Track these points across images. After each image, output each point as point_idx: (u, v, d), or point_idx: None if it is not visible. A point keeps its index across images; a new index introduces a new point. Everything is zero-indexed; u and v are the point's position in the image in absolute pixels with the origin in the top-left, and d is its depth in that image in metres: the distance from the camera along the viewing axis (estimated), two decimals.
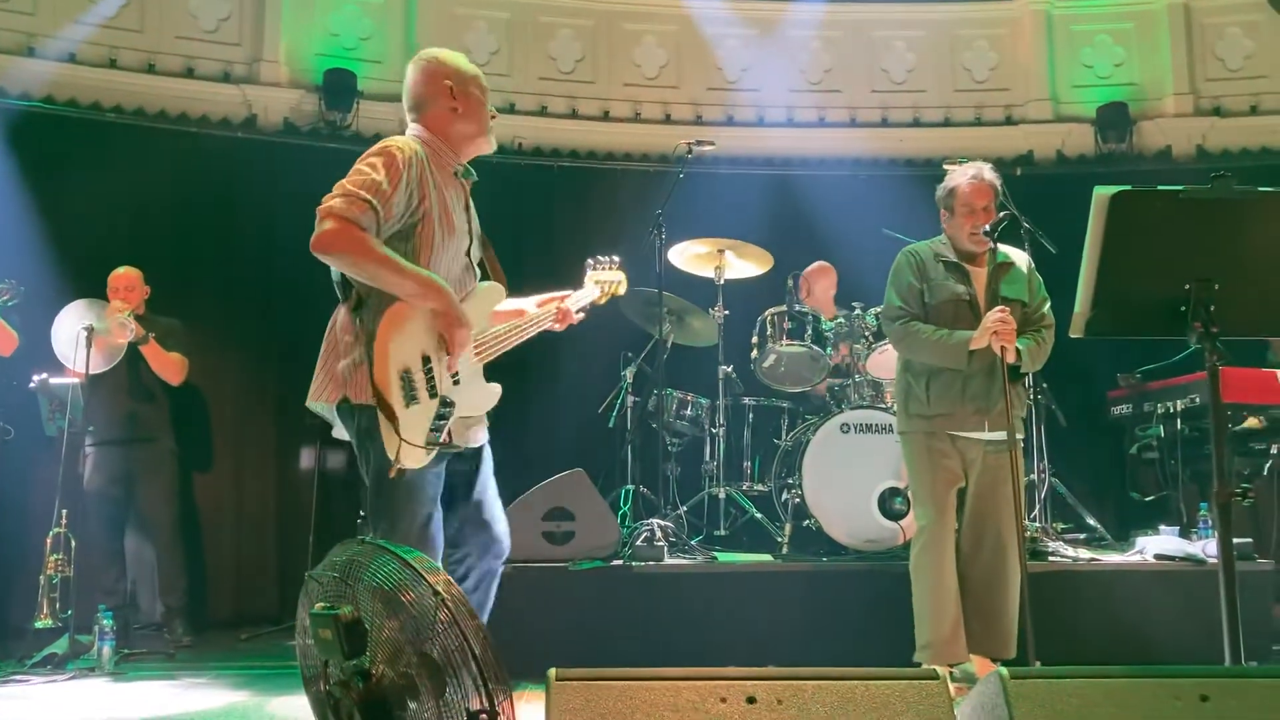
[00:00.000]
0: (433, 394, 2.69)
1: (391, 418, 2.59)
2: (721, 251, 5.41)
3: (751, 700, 1.94)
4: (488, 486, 3.02)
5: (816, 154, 7.34)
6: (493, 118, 3.24)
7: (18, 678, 4.41)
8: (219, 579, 6.20)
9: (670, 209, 5.26)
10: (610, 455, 5.81)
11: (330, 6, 7.06)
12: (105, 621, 4.63)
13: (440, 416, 2.69)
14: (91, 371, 5.02)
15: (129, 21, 6.63)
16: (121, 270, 5.41)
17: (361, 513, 5.87)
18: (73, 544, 4.98)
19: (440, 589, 2.05)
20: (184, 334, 5.53)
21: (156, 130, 6.53)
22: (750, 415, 5.69)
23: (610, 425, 5.79)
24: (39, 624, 4.84)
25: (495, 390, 2.95)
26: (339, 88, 6.78)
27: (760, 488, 5.47)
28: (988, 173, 3.97)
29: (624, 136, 7.36)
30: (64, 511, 4.97)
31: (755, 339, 5.36)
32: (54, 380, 5.21)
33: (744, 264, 5.51)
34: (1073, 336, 2.69)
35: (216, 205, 6.41)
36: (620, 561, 4.67)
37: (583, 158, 7.30)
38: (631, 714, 1.92)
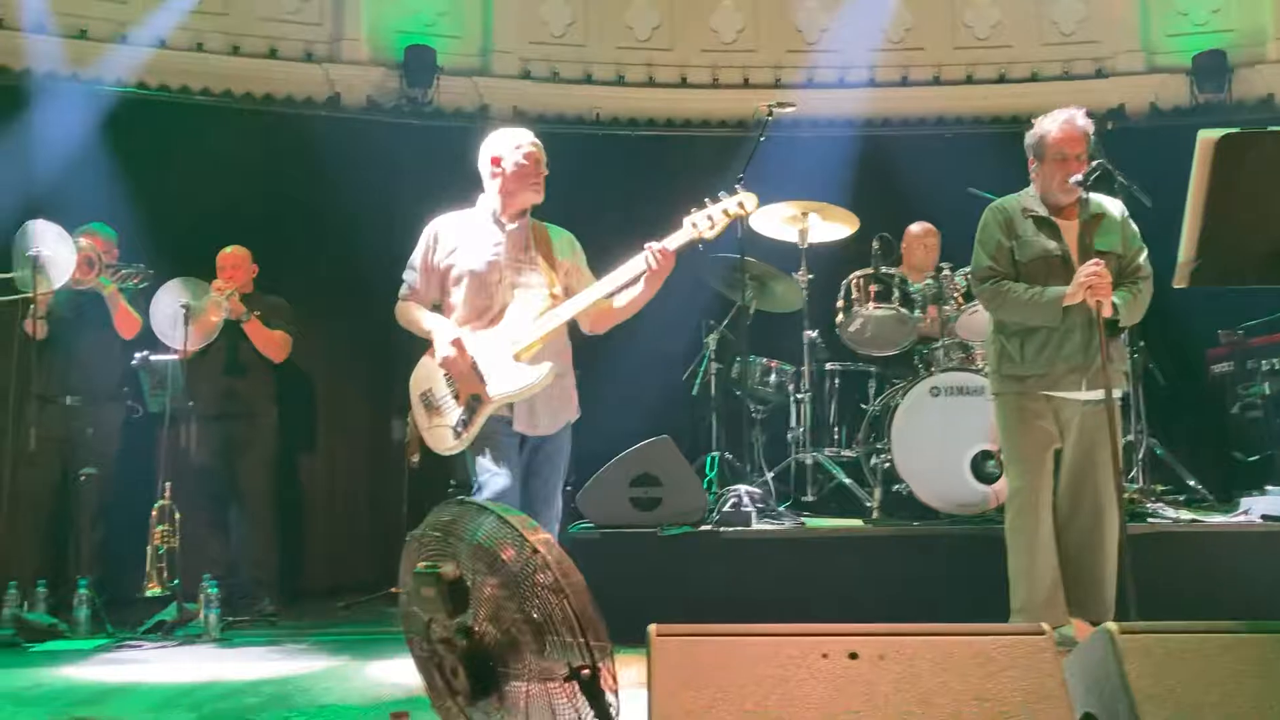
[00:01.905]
0: (456, 397, 3.53)
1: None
2: (805, 214, 5.35)
3: (854, 656, 1.93)
4: (534, 481, 3.61)
5: (899, 114, 7.22)
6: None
7: (131, 643, 4.57)
8: (317, 549, 6.37)
9: (751, 173, 5.18)
10: (694, 423, 5.82)
11: None
12: (210, 590, 4.78)
13: (469, 409, 3.50)
14: (189, 349, 5.16)
15: (214, 5, 6.77)
16: (229, 249, 5.54)
17: (452, 482, 5.97)
18: (177, 516, 5.14)
19: (540, 547, 2.07)
20: (289, 312, 5.63)
21: (243, 111, 6.69)
22: (836, 380, 5.64)
23: (694, 393, 5.79)
24: (148, 592, 5.02)
25: (536, 375, 3.45)
26: (419, 64, 6.85)
27: (848, 453, 5.42)
28: (1080, 118, 3.82)
29: (702, 102, 7.31)
30: (168, 484, 5.13)
31: (840, 303, 5.30)
32: (155, 357, 5.37)
33: (828, 227, 5.45)
34: (1176, 287, 2.61)
35: (304, 184, 6.53)
36: (708, 527, 4.68)
37: (660, 125, 7.28)
38: (733, 669, 1.92)
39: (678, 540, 4.60)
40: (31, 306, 5.02)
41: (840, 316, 5.30)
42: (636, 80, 7.33)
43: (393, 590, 6.04)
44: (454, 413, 3.53)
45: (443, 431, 3.55)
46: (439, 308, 3.72)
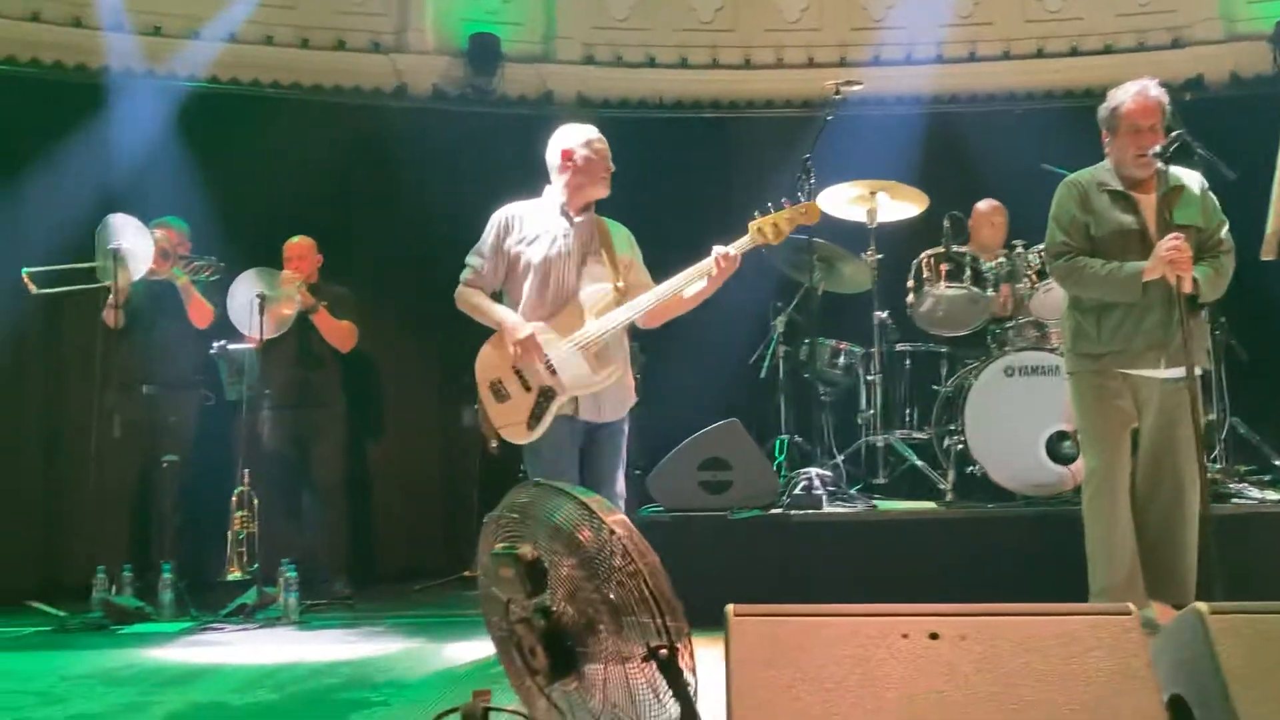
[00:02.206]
0: (527, 388, 3.70)
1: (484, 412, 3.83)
2: (873, 194, 5.28)
3: (934, 636, 1.91)
4: (594, 463, 3.79)
5: (968, 90, 7.09)
6: None
7: (214, 626, 4.69)
8: (391, 535, 6.47)
9: (818, 153, 5.15)
10: (763, 406, 5.79)
11: None
12: (289, 574, 4.88)
13: (541, 402, 3.68)
14: (265, 337, 5.26)
15: None
16: (295, 240, 5.64)
17: (523, 467, 6.01)
18: (255, 501, 5.26)
19: (617, 528, 2.08)
20: (353, 302, 5.72)
21: (312, 103, 6.78)
22: (907, 361, 5.57)
23: (762, 376, 5.77)
24: (229, 577, 5.16)
25: (606, 369, 3.68)
26: (483, 52, 6.88)
27: (920, 435, 5.35)
28: (1154, 89, 3.72)
29: (766, 83, 7.25)
30: (246, 471, 5.24)
31: (911, 283, 5.22)
32: (232, 346, 5.49)
33: (897, 205, 5.38)
34: (1265, 259, 2.53)
35: (372, 173, 6.62)
36: (779, 510, 4.66)
37: (724, 108, 7.24)
38: (812, 649, 1.91)
39: (748, 524, 4.59)
40: (111, 297, 5.16)
41: (911, 296, 5.23)
42: (700, 63, 7.29)
43: (465, 574, 6.14)
44: (526, 404, 3.70)
45: (516, 426, 3.74)
46: (499, 296, 3.88)
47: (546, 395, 3.68)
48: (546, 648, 2.12)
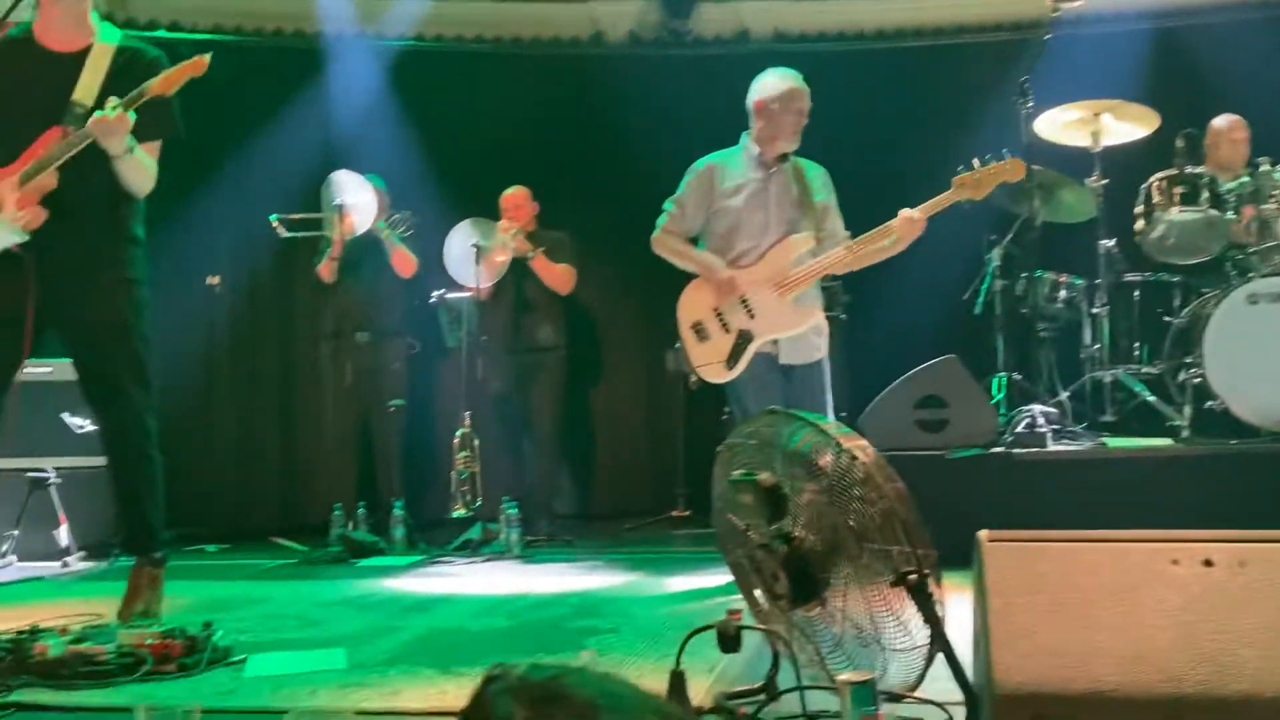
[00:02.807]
0: (726, 330, 3.85)
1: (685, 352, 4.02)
2: (1097, 115, 4.98)
3: (1208, 563, 1.80)
4: (799, 407, 3.75)
5: (1198, 1, 6.56)
6: None
7: (444, 560, 4.93)
8: (603, 475, 6.64)
9: (1035, 77, 4.91)
10: (977, 344, 5.58)
11: None
12: (510, 511, 5.07)
13: (740, 343, 3.83)
14: (481, 286, 5.43)
15: None
16: (510, 190, 5.75)
17: (726, 409, 6.04)
18: (476, 442, 5.47)
19: (859, 453, 2.05)
20: (571, 246, 5.79)
21: (513, 56, 6.92)
22: (1136, 292, 5.24)
23: (976, 312, 5.56)
24: (454, 514, 5.39)
25: (803, 311, 3.86)
26: None
27: (1151, 369, 5.05)
28: None
29: (975, 8, 6.90)
30: (468, 413, 5.45)
31: (1140, 208, 4.91)
32: (450, 295, 5.70)
33: (1124, 127, 5.05)
34: None
35: (574, 122, 6.70)
36: (1000, 449, 4.51)
37: (929, 35, 6.94)
38: (1073, 577, 1.83)
39: (967, 463, 4.45)
40: (327, 250, 5.43)
41: (1140, 223, 4.92)
42: None
43: (673, 514, 6.25)
44: (725, 345, 3.88)
45: (715, 365, 3.92)
46: (695, 242, 4.02)
47: (745, 337, 3.84)
48: (788, 573, 2.12)
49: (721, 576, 4.08)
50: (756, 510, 2.14)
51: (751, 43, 6.89)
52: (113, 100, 3.03)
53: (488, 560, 4.89)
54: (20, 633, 2.76)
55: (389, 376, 5.63)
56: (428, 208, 5.88)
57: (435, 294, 5.74)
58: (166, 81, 3.09)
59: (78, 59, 3.18)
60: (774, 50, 6.84)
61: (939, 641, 1.95)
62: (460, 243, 5.50)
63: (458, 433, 5.43)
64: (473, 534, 5.14)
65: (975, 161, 3.76)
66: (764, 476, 2.12)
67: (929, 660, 2.01)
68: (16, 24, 3.21)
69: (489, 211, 5.73)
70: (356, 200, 5.38)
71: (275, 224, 5.51)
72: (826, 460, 2.09)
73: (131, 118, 3.04)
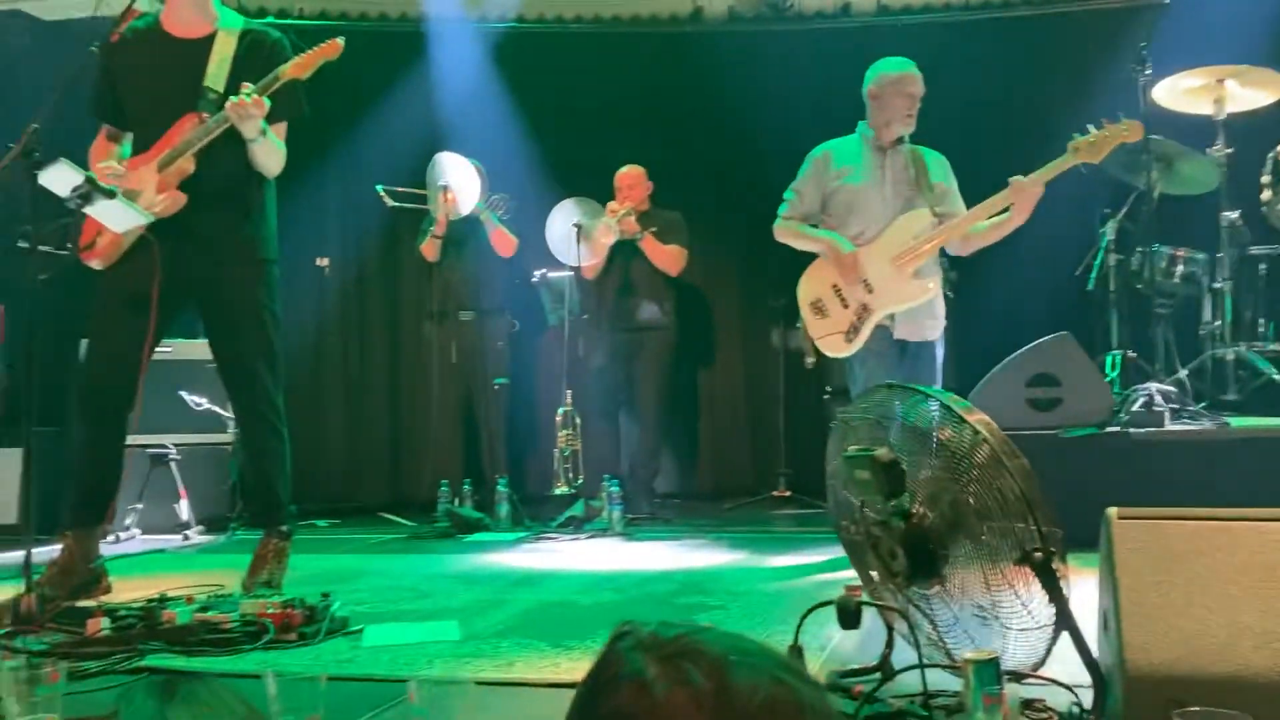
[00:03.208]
0: (845, 305, 3.94)
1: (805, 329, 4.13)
2: (1221, 81, 4.77)
3: None
4: (913, 382, 3.83)
5: None
6: None
7: (547, 536, 4.98)
8: (704, 454, 6.64)
9: (1154, 43, 4.73)
10: (1091, 321, 5.43)
11: None
12: (612, 489, 5.09)
13: (859, 317, 3.91)
14: (583, 264, 5.45)
15: None
16: (625, 169, 5.72)
17: (828, 389, 5.98)
18: (578, 420, 5.51)
19: (980, 428, 2.00)
20: (682, 225, 5.73)
21: (612, 35, 6.91)
22: (1261, 266, 5.02)
23: (1089, 288, 5.40)
24: (557, 490, 5.45)
25: (920, 285, 3.90)
26: None
27: (1276, 347, 4.84)
28: None
29: None
30: (569, 391, 5.49)
31: (1267, 178, 4.70)
32: (552, 274, 5.73)
33: (1250, 94, 4.83)
34: None
35: (673, 99, 6.69)
36: (1115, 429, 4.37)
37: (1037, 4, 6.73)
38: (1209, 555, 1.76)
39: (1081, 443, 4.33)
40: (430, 229, 5.50)
41: (1267, 194, 4.71)
42: None
43: (773, 494, 6.21)
44: (845, 319, 3.96)
45: (834, 338, 4.00)
46: (816, 226, 4.11)
47: (864, 311, 3.93)
48: (906, 550, 2.09)
49: (824, 555, 4.08)
50: (873, 486, 2.10)
51: (854, 16, 6.77)
52: (248, 86, 3.10)
53: (591, 537, 4.93)
54: (150, 601, 2.87)
55: (493, 355, 5.70)
56: (529, 187, 5.92)
57: (537, 273, 5.78)
58: (301, 65, 3.17)
59: (203, 45, 3.27)
60: (877, 24, 6.73)
61: (1064, 621, 1.90)
62: (562, 222, 5.53)
63: (560, 410, 5.47)
64: (575, 511, 5.19)
65: (1089, 127, 3.71)
66: (881, 452, 2.08)
67: (1053, 640, 1.96)
68: (142, 14, 3.31)
69: (590, 190, 5.73)
70: (460, 181, 5.44)
71: (381, 193, 5.62)
72: (946, 435, 2.04)
73: (266, 102, 3.12)
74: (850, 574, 2.60)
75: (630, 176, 5.70)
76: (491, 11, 6.72)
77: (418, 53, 6.44)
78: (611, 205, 5.53)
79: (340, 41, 3.19)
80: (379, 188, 5.66)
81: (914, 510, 2.09)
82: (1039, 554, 1.87)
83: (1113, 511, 1.86)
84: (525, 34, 6.76)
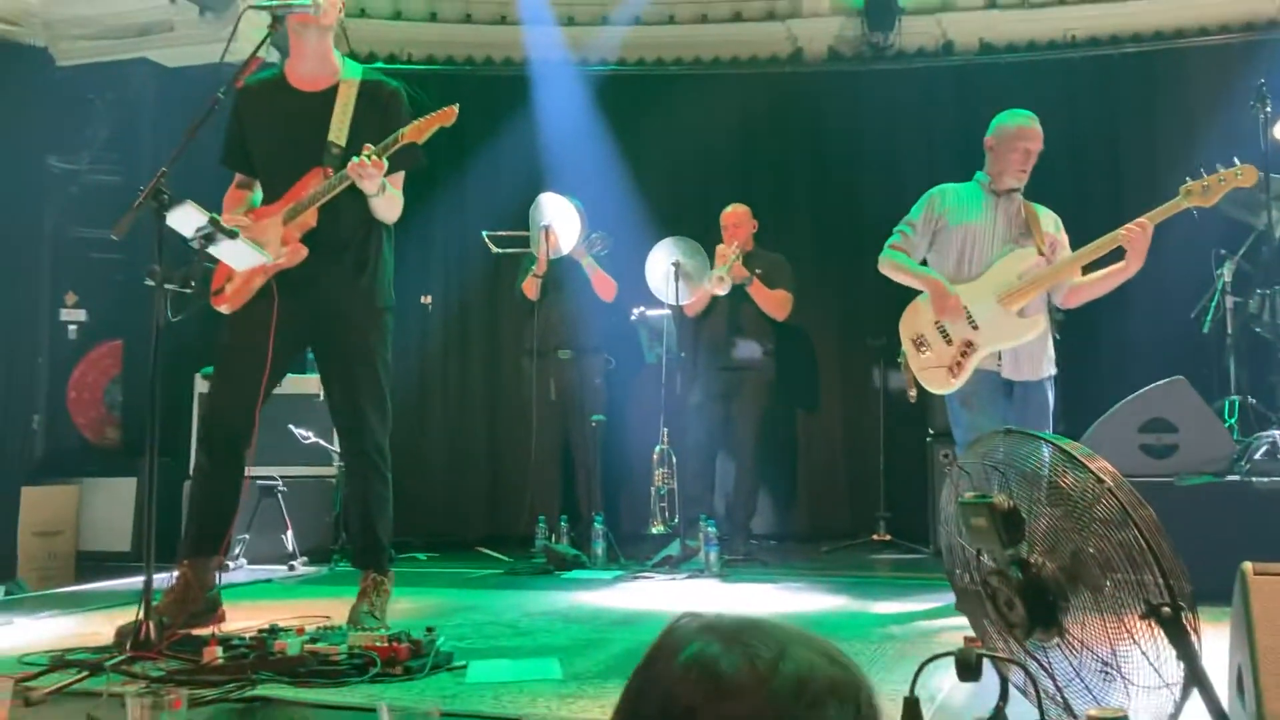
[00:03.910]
0: (949, 342, 3.89)
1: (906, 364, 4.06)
2: None
3: None
4: (1021, 425, 3.47)
5: None
6: None
7: (643, 575, 4.96)
8: (802, 496, 6.57)
9: (1273, 79, 4.59)
10: (1207, 365, 5.26)
11: None
12: (709, 529, 5.06)
13: (961, 353, 3.86)
14: (684, 303, 5.46)
15: None
16: (730, 208, 5.74)
17: (930, 431, 5.87)
18: (674, 459, 5.50)
19: (1104, 475, 1.94)
20: (788, 270, 5.71)
21: (711, 76, 6.97)
22: None
23: (1204, 331, 5.24)
24: (653, 530, 5.43)
25: (1026, 323, 3.84)
26: (880, 8, 6.70)
27: None
28: None
29: (1196, 9, 6.52)
30: (666, 430, 5.49)
31: None
32: (650, 312, 5.76)
33: None
34: None
35: (771, 138, 6.72)
36: (1236, 478, 4.21)
37: (1148, 40, 6.59)
38: None
39: (1198, 491, 4.18)
40: (531, 268, 5.58)
41: None
42: None
43: (873, 538, 6.11)
44: (946, 356, 3.92)
45: (937, 373, 3.95)
46: (924, 263, 4.09)
47: (967, 348, 3.88)
48: (1024, 601, 2.03)
49: (928, 602, 3.99)
50: (990, 534, 2.05)
51: (956, 55, 6.72)
52: (369, 147, 3.20)
53: (687, 578, 4.89)
54: (261, 631, 2.93)
55: (590, 392, 5.73)
56: (629, 226, 5.97)
57: (635, 310, 5.81)
58: (418, 130, 3.27)
59: (327, 98, 3.38)
60: (979, 62, 6.67)
61: (1196, 679, 1.82)
62: (661, 259, 5.55)
63: (656, 448, 5.47)
64: (672, 550, 5.17)
65: (1202, 170, 3.64)
66: (999, 498, 2.03)
67: (1183, 699, 1.88)
68: (265, 64, 3.43)
69: (689, 229, 5.75)
70: (561, 221, 5.51)
71: (486, 239, 5.73)
72: (1067, 482, 1.99)
73: (385, 162, 3.22)
74: (956, 622, 2.54)
75: (736, 215, 5.71)
76: (593, 55, 6.83)
77: (521, 95, 6.56)
78: (721, 250, 5.53)
79: (455, 109, 3.29)
80: (484, 234, 5.77)
81: (1032, 560, 2.04)
82: (1167, 609, 1.80)
83: (1248, 567, 1.79)
84: (626, 76, 6.86)
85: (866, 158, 6.55)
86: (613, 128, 6.45)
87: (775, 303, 5.60)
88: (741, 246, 5.58)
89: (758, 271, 5.54)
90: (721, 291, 5.46)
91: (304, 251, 3.31)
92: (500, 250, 5.77)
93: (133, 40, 6.10)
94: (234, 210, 3.45)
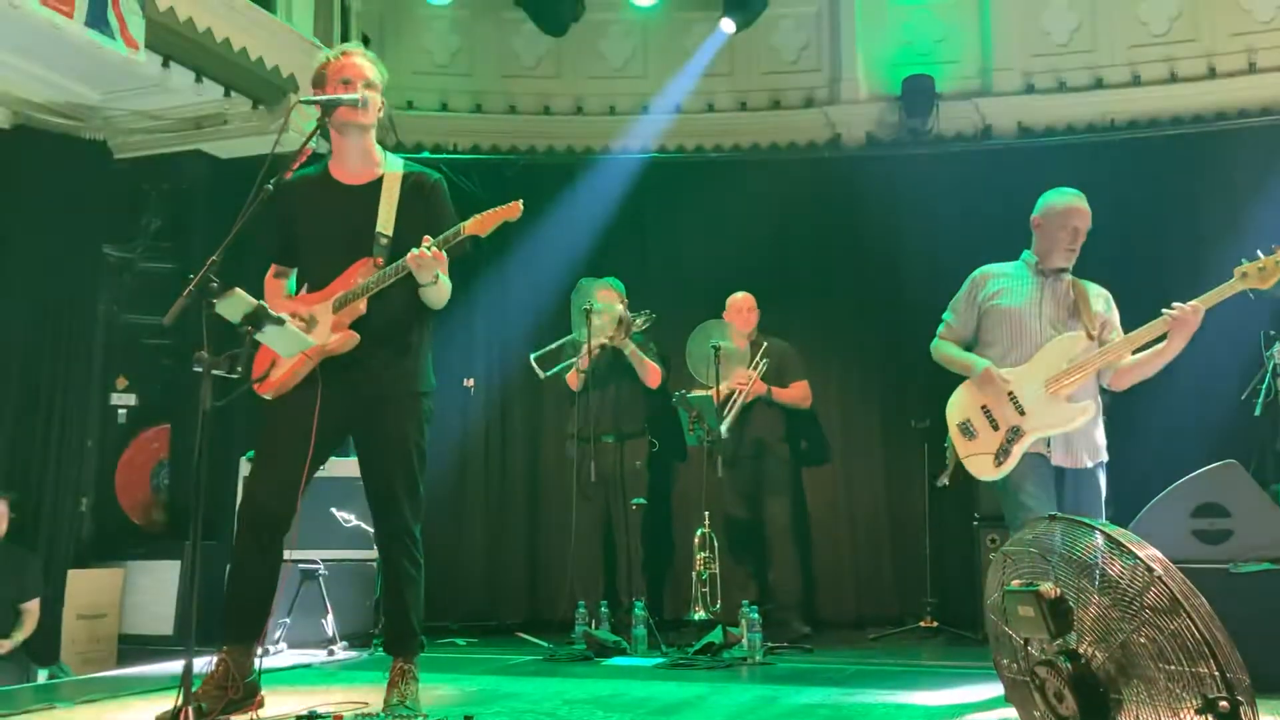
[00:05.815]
0: (995, 427, 3.79)
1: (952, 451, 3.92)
2: None
3: None
4: (1072, 513, 3.45)
5: None
6: None
7: (684, 662, 4.87)
8: (844, 580, 6.46)
9: None
10: (1259, 447, 5.16)
11: (903, 15, 7.13)
12: (751, 615, 4.99)
13: (1008, 439, 3.75)
14: (718, 389, 5.48)
15: (722, 67, 7.21)
16: (739, 295, 5.94)
17: (976, 515, 5.78)
18: (715, 542, 5.45)
19: (1154, 564, 1.90)
20: (796, 358, 5.87)
21: (749, 162, 7.07)
22: None
23: (1256, 414, 5.15)
24: (694, 616, 5.35)
25: (1075, 409, 3.72)
26: (917, 94, 6.80)
27: None
28: None
29: (1237, 92, 6.54)
30: (706, 513, 5.45)
31: None
32: (692, 394, 5.76)
33: None
34: None
35: (811, 222, 6.78)
36: None
37: (1187, 123, 6.60)
38: None
39: (1255, 579, 4.07)
40: (575, 361, 5.62)
41: None
42: (1154, 78, 6.73)
43: (921, 624, 5.98)
44: (993, 442, 3.79)
45: (983, 459, 3.82)
46: (970, 347, 4.01)
47: (1014, 433, 3.77)
48: (1075, 693, 1.97)
49: (978, 693, 3.88)
50: (1038, 623, 2.01)
51: (994, 138, 6.77)
52: (429, 239, 3.26)
53: (729, 665, 4.80)
54: (300, 718, 2.92)
55: (631, 475, 5.73)
56: (671, 309, 6.01)
57: (677, 394, 5.82)
58: (481, 224, 3.31)
59: (372, 190, 3.46)
60: (1019, 145, 6.71)
61: None
62: (699, 343, 5.58)
63: (698, 532, 5.42)
64: (714, 637, 5.07)
65: (1259, 252, 3.55)
66: (1047, 587, 1.99)
67: None
68: (312, 155, 3.52)
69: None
70: (604, 305, 5.56)
71: (533, 362, 5.79)
72: (1115, 570, 1.95)
73: (444, 254, 3.27)
74: (1008, 714, 2.47)
75: (748, 300, 5.97)
76: (633, 142, 6.95)
77: (566, 182, 6.69)
78: (739, 379, 5.69)
79: (520, 205, 3.33)
80: (532, 356, 5.80)
81: (1082, 650, 1.99)
82: (1225, 702, 1.75)
83: None
84: (667, 163, 6.96)
85: (906, 241, 6.57)
86: (655, 213, 6.57)
87: (797, 399, 5.88)
88: (749, 335, 5.76)
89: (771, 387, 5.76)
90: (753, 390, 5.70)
91: (355, 337, 3.36)
92: (546, 374, 5.79)
93: (187, 133, 6.29)
94: (274, 297, 3.51)
